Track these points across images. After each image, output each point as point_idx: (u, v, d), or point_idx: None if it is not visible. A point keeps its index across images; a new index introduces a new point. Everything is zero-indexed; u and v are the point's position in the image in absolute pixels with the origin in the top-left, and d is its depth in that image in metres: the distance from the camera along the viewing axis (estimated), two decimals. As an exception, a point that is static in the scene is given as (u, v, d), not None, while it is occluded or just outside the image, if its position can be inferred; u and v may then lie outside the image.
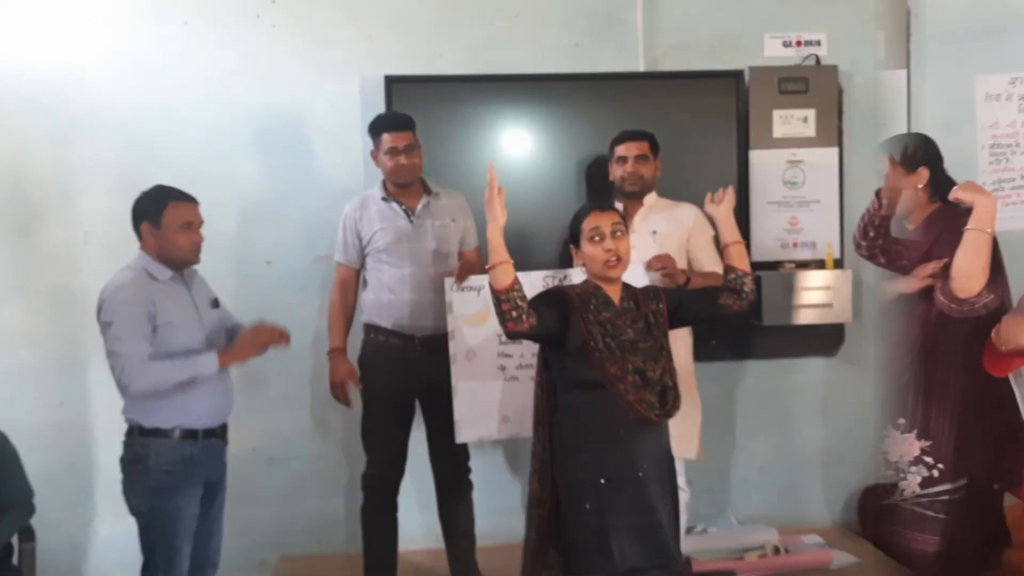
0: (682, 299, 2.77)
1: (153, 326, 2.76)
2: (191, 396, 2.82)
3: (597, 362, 2.57)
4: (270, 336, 2.96)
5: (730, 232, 2.80)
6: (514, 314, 2.51)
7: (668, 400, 2.63)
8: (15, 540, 3.10)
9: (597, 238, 2.66)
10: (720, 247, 2.92)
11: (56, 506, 3.61)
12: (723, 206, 2.84)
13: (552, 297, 2.67)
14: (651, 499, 2.58)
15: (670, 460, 2.71)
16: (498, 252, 2.53)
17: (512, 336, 2.59)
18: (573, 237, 2.75)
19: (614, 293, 2.70)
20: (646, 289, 2.79)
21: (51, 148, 3.74)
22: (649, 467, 2.60)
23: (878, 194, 3.20)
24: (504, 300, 2.50)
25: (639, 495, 2.57)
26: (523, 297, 2.53)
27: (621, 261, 2.66)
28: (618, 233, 2.66)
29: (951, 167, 3.26)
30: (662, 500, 2.61)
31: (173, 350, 2.79)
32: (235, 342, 2.92)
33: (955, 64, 3.18)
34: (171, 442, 2.81)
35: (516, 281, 2.52)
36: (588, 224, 2.68)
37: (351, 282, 3.43)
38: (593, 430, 2.60)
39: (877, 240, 3.20)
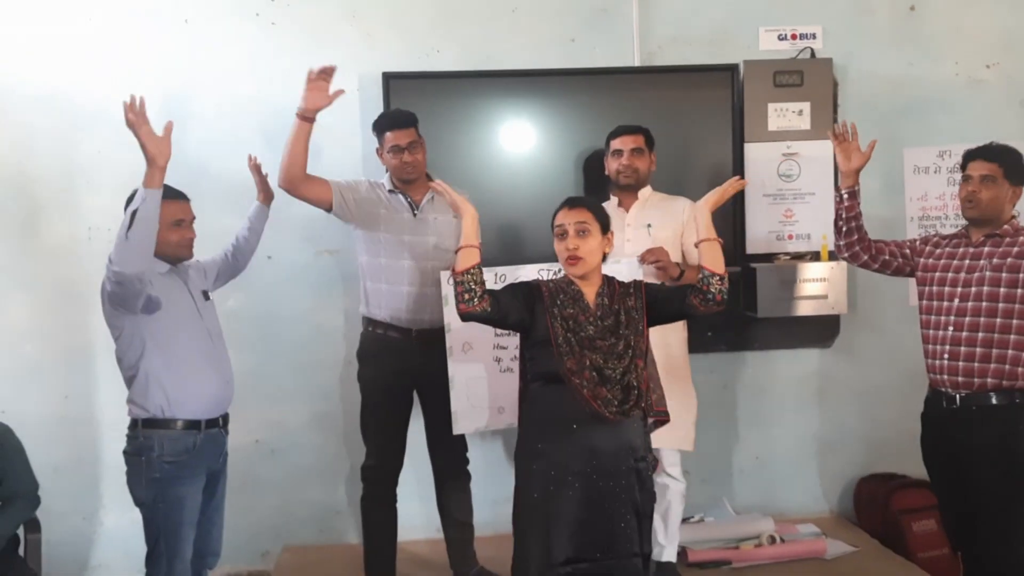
0: (657, 296, 2.76)
1: (147, 295, 2.78)
2: (193, 386, 2.88)
3: (557, 356, 2.60)
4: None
5: (703, 228, 2.72)
6: (466, 296, 2.56)
7: (630, 399, 2.62)
8: (21, 531, 3.16)
9: (562, 235, 2.68)
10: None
11: (61, 498, 3.66)
12: (704, 203, 2.77)
13: (522, 288, 2.72)
14: (599, 494, 2.58)
15: (637, 457, 2.65)
16: (466, 237, 2.62)
17: (464, 318, 2.62)
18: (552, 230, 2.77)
19: (589, 288, 2.71)
20: (626, 285, 2.76)
21: (55, 145, 3.79)
22: (602, 463, 2.59)
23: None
24: (459, 282, 2.57)
25: (587, 489, 2.57)
26: (478, 282, 2.58)
27: (581, 260, 2.65)
28: (583, 232, 2.66)
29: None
30: (613, 496, 2.59)
31: (176, 336, 2.87)
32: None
33: (883, 136, 3.29)
34: (173, 433, 2.86)
35: (476, 266, 2.58)
36: (556, 220, 2.71)
37: (314, 178, 3.32)
38: (550, 421, 2.63)
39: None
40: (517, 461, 2.72)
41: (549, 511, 2.58)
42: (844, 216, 3.24)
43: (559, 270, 3.17)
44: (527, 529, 2.63)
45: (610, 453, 2.60)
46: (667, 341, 3.34)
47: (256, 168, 3.46)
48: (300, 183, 3.28)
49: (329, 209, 3.36)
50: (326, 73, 3.20)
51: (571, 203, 2.73)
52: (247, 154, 3.46)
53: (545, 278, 3.00)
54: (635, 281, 2.81)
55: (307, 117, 3.22)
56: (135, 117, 2.69)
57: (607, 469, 2.60)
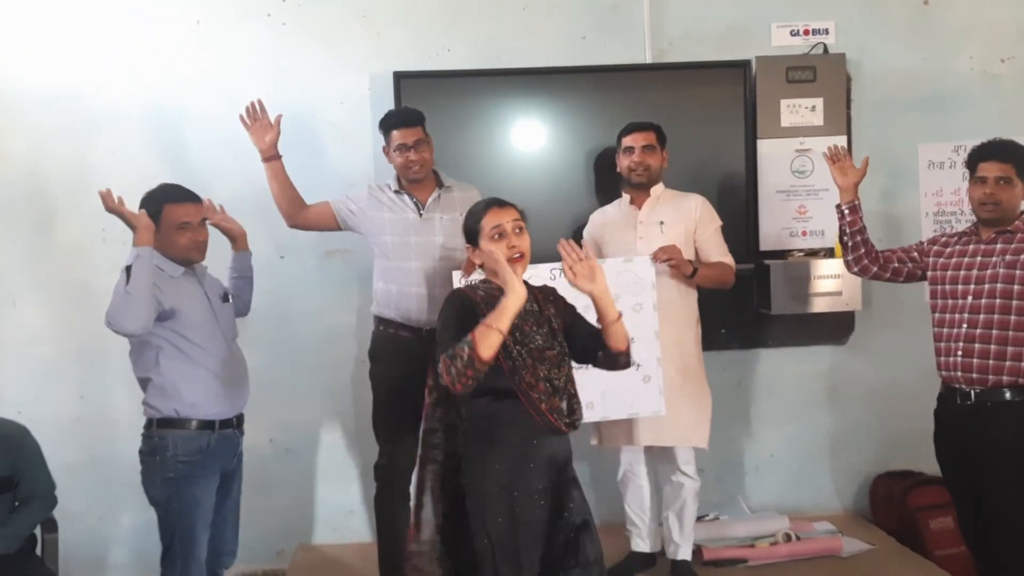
0: (575, 324, 2.63)
1: (159, 310, 2.80)
2: (208, 388, 2.89)
3: (510, 371, 2.45)
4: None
5: (610, 309, 2.53)
6: (470, 383, 2.33)
7: (574, 409, 2.54)
8: (38, 531, 3.18)
9: (498, 236, 2.50)
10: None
11: (78, 498, 3.68)
12: (599, 284, 2.56)
13: (460, 314, 2.46)
14: (560, 507, 2.49)
15: (570, 465, 2.58)
16: (502, 320, 2.33)
17: (446, 390, 2.42)
18: (470, 236, 2.57)
19: None
20: (544, 290, 2.65)
21: (68, 146, 3.81)
22: (556, 475, 2.51)
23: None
24: (474, 368, 2.30)
25: (551, 506, 2.48)
26: (484, 374, 2.35)
27: (524, 258, 2.51)
28: (519, 230, 2.52)
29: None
30: (573, 506, 2.51)
31: (191, 339, 2.88)
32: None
33: (897, 131, 3.20)
34: (188, 433, 2.87)
35: (493, 358, 2.36)
36: (488, 222, 2.52)
37: (313, 205, 3.44)
38: (504, 439, 2.48)
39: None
40: (469, 486, 2.50)
41: (515, 530, 2.45)
42: (848, 231, 3.26)
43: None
44: (491, 551, 2.46)
45: (561, 465, 2.53)
46: (681, 339, 3.33)
47: (210, 211, 3.21)
48: (299, 217, 3.45)
49: (339, 228, 3.46)
50: (255, 112, 3.37)
51: (500, 203, 2.56)
52: (206, 198, 3.23)
53: (556, 278, 2.93)
54: (548, 287, 2.69)
55: (269, 157, 3.39)
56: (110, 202, 2.86)
57: (562, 480, 2.52)
